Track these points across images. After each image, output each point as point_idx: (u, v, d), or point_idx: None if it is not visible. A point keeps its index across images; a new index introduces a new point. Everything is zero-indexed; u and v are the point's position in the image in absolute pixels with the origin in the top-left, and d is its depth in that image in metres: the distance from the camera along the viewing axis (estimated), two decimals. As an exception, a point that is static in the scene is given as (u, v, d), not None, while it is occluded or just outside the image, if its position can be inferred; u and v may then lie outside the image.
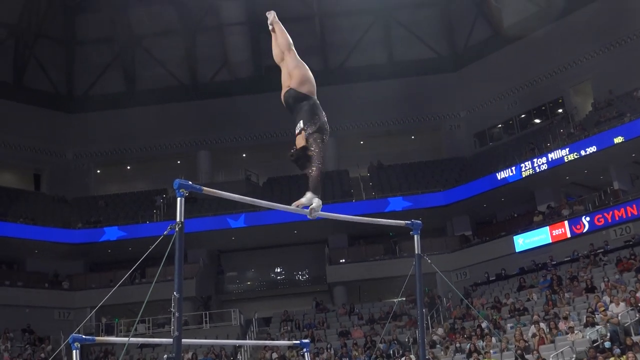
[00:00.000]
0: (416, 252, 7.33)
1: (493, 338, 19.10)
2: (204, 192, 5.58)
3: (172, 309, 5.11)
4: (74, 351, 6.88)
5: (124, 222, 30.19)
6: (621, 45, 28.45)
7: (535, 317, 19.65)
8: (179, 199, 5.28)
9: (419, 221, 7.37)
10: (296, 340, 10.19)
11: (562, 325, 18.48)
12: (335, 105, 31.27)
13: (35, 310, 27.19)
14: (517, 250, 26.82)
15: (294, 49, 6.04)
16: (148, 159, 35.08)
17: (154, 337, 22.79)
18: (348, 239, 30.91)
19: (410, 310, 25.05)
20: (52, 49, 33.95)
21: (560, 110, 31.28)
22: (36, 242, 28.69)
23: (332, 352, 22.13)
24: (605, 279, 20.88)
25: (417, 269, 7.28)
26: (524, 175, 27.12)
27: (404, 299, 25.92)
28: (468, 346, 19.09)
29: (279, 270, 33.04)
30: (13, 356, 23.62)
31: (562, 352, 16.95)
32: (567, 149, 25.92)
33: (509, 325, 20.66)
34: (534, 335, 18.28)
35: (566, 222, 25.53)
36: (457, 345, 20.02)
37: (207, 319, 27.10)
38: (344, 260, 29.94)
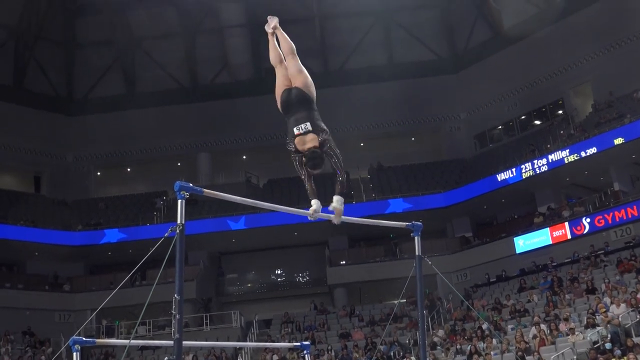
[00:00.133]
0: (417, 253, 7.35)
1: (494, 339, 19.08)
2: (204, 194, 5.61)
3: (172, 311, 5.12)
4: (75, 353, 6.89)
5: (124, 225, 30.18)
6: (621, 46, 28.45)
7: (536, 318, 19.65)
8: (179, 201, 5.29)
9: (419, 223, 7.38)
10: (297, 342, 10.19)
11: (562, 327, 18.47)
12: (335, 107, 31.32)
13: (35, 312, 27.17)
14: (517, 252, 26.81)
15: (296, 54, 6.08)
16: (148, 161, 35.08)
17: (154, 340, 22.80)
18: (348, 240, 30.90)
19: (410, 311, 25.04)
20: (52, 51, 33.95)
21: (560, 112, 31.27)
22: (36, 244, 28.68)
23: (333, 354, 22.11)
24: (606, 280, 20.87)
25: (418, 270, 7.29)
26: (524, 177, 27.11)
27: (405, 300, 25.91)
28: (469, 348, 19.08)
29: (279, 272, 33.02)
30: (13, 359, 23.62)
31: (562, 353, 16.93)
32: (568, 151, 25.91)
33: (509, 326, 20.66)
34: (534, 337, 18.27)
35: (566, 224, 25.52)
36: (458, 346, 20.01)
37: (208, 321, 27.07)
38: (344, 262, 29.94)
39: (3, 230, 27.85)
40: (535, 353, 17.20)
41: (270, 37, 6.27)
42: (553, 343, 17.88)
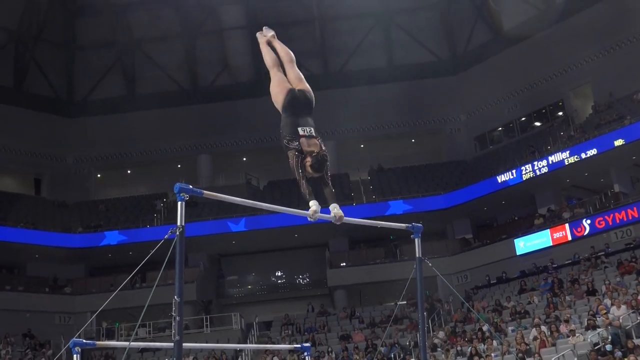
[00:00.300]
0: (417, 255, 7.34)
1: (494, 341, 19.06)
2: (204, 196, 5.61)
3: (172, 313, 5.12)
4: (75, 356, 6.89)
5: (125, 227, 30.18)
6: (621, 47, 28.46)
7: (537, 320, 19.64)
8: (179, 202, 5.29)
9: (419, 224, 7.38)
10: (297, 344, 10.20)
11: (563, 328, 18.46)
12: (335, 109, 31.35)
13: (35, 314, 27.16)
14: (517, 253, 26.80)
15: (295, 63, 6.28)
16: (148, 163, 35.06)
17: (154, 342, 22.80)
18: (349, 242, 30.90)
19: (411, 313, 25.05)
20: (52, 53, 33.94)
21: (560, 113, 31.28)
22: (37, 246, 28.66)
23: (333, 355, 22.11)
24: (607, 282, 20.85)
25: (418, 272, 7.29)
26: (524, 178, 27.11)
27: (405, 302, 25.89)
28: (469, 349, 19.07)
29: (279, 274, 33.00)
30: (14, 361, 23.63)
31: (563, 355, 16.92)
32: (568, 152, 25.91)
33: (510, 328, 20.65)
34: (535, 339, 18.26)
35: (567, 225, 25.52)
36: (459, 348, 20.00)
37: (208, 323, 27.04)
38: (344, 264, 29.96)
39: (3, 233, 27.86)
40: (536, 355, 17.18)
41: (261, 43, 6.44)
42: (554, 345, 17.86)
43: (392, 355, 21.31)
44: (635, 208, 23.78)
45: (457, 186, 29.92)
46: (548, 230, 25.99)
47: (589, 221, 24.98)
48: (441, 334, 22.36)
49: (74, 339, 6.85)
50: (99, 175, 35.64)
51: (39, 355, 24.62)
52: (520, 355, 17.54)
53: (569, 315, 19.23)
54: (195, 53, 34.51)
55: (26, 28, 32.35)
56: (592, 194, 27.69)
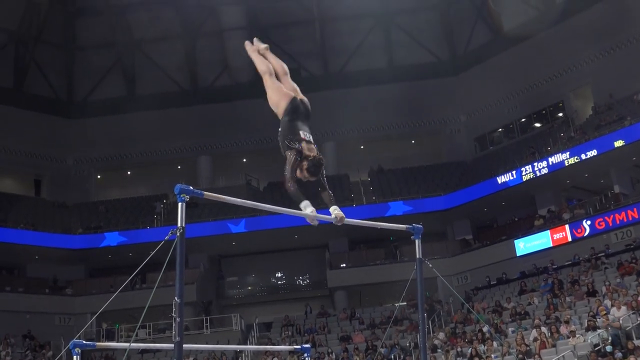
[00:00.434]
0: (417, 256, 7.34)
1: (494, 342, 19.06)
2: (205, 197, 5.61)
3: (173, 314, 5.12)
4: (75, 357, 6.89)
5: (125, 228, 30.18)
6: (621, 48, 28.45)
7: (537, 321, 19.64)
8: (179, 203, 5.29)
9: (419, 225, 7.38)
10: (297, 345, 10.19)
11: (563, 329, 18.45)
12: (335, 110, 31.37)
13: (35, 315, 27.15)
14: (518, 254, 26.80)
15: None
16: (148, 164, 35.05)
17: (155, 343, 22.83)
18: (349, 243, 30.90)
19: (411, 314, 25.04)
20: (52, 53, 33.94)
21: (560, 114, 31.28)
22: (37, 247, 28.65)
23: (334, 356, 22.11)
24: (607, 283, 20.84)
25: (418, 273, 7.29)
26: (524, 179, 27.10)
27: (405, 303, 25.88)
28: (469, 350, 19.07)
29: (279, 275, 33.00)
30: (14, 362, 23.62)
31: (563, 356, 16.92)
32: (568, 153, 25.90)
33: (510, 329, 20.65)
34: (535, 340, 18.25)
35: (567, 226, 25.52)
36: (459, 349, 20.00)
37: (208, 324, 27.03)
38: (344, 265, 29.96)
39: (3, 234, 27.86)
40: (536, 356, 17.18)
41: (251, 51, 6.74)
42: (554, 346, 17.86)
43: (393, 357, 21.32)
44: (635, 209, 23.77)
45: (457, 187, 29.91)
46: (548, 231, 25.99)
47: (589, 222, 24.98)
48: (441, 335, 22.35)
49: (74, 340, 6.86)
50: (99, 176, 35.64)
51: (39, 357, 24.62)
52: (520, 356, 17.53)
53: (569, 316, 19.23)
54: (195, 53, 34.50)
55: (26, 29, 32.35)
56: (592, 195, 27.69)
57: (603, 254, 23.75)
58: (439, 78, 33.73)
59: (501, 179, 27.76)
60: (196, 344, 21.54)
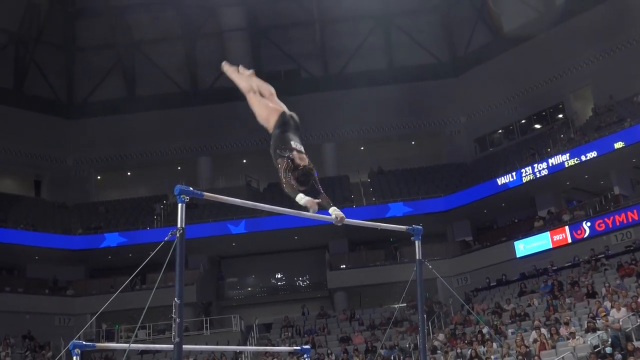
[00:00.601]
0: (417, 257, 7.34)
1: (494, 343, 19.06)
2: (205, 198, 5.61)
3: (172, 315, 5.12)
4: (75, 357, 6.90)
5: (125, 228, 30.17)
6: (621, 50, 28.45)
7: (536, 322, 19.63)
8: (179, 204, 5.29)
9: (419, 226, 7.38)
10: (297, 346, 10.18)
11: (563, 331, 18.45)
12: (335, 111, 31.37)
13: (35, 316, 27.13)
14: (517, 256, 26.78)
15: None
16: (148, 165, 35.04)
17: (154, 344, 22.77)
18: (349, 244, 30.88)
19: (411, 315, 25.04)
20: (52, 54, 33.95)
21: (560, 116, 31.28)
22: (37, 248, 28.64)
23: (333, 358, 22.11)
24: (606, 284, 20.84)
25: (418, 274, 7.29)
26: (524, 181, 27.09)
27: (405, 304, 25.88)
28: (469, 352, 19.06)
29: (279, 276, 32.98)
30: (13, 362, 23.60)
31: (563, 357, 16.91)
32: (568, 154, 25.90)
33: (510, 330, 20.64)
34: (535, 341, 18.24)
35: (567, 228, 25.50)
36: (458, 350, 19.99)
37: (208, 325, 27.02)
38: (344, 266, 29.94)
39: (3, 234, 27.85)
40: (536, 357, 17.18)
41: (230, 72, 6.74)
42: (553, 347, 17.85)
43: (392, 358, 21.30)
44: (635, 210, 23.76)
45: (457, 188, 29.90)
46: (548, 232, 25.98)
47: (589, 223, 24.97)
48: (441, 337, 22.35)
49: (74, 340, 6.86)
50: (99, 177, 35.63)
51: (39, 357, 24.61)
52: (520, 357, 17.53)
53: (568, 318, 19.22)
54: (195, 54, 34.50)
55: (26, 29, 32.36)
56: (592, 196, 27.68)
57: (603, 255, 23.74)
58: (439, 79, 33.74)
59: (501, 180, 27.76)
60: (196, 344, 21.55)
